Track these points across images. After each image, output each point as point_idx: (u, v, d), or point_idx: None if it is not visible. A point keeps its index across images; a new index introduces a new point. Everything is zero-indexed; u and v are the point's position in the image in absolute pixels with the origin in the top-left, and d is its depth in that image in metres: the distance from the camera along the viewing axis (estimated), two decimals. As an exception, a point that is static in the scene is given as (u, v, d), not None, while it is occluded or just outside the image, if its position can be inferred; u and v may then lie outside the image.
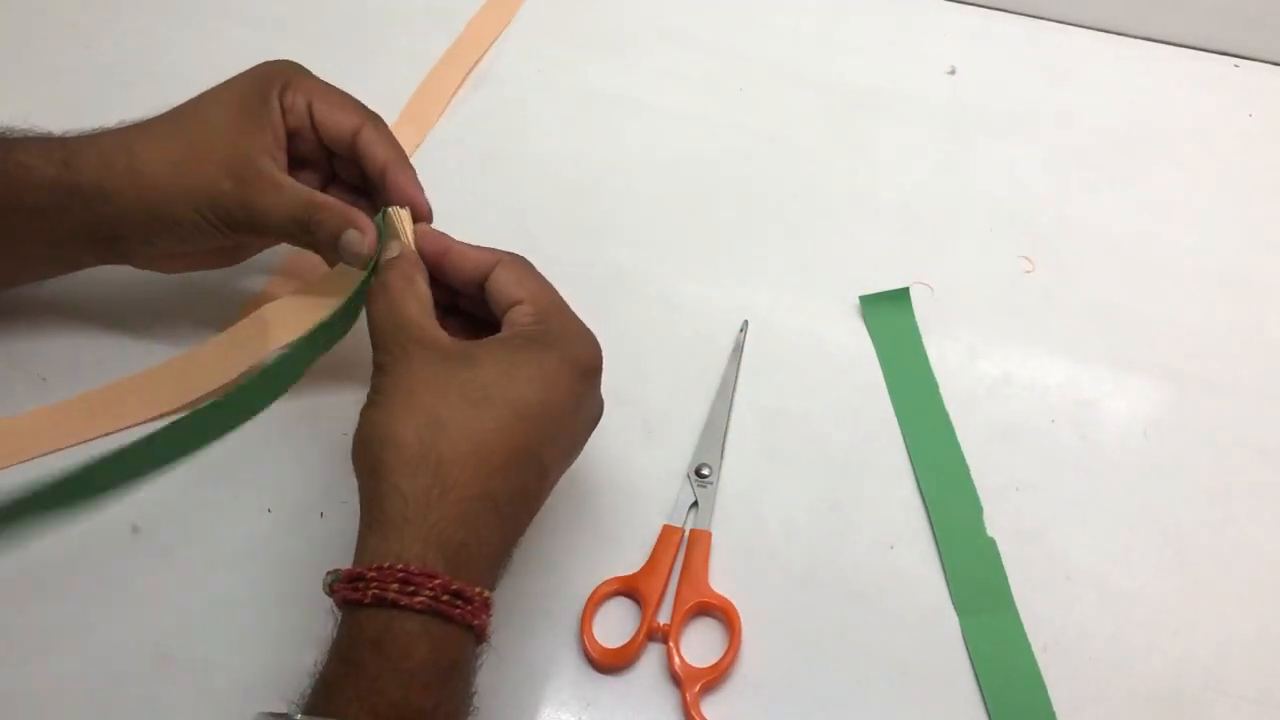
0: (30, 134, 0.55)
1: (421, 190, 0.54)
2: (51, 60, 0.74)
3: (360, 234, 0.52)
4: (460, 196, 0.67)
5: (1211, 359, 0.63)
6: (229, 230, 0.54)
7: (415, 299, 0.49)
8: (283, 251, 0.64)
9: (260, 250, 0.61)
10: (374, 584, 0.43)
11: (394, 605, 0.42)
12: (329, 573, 0.45)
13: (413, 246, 0.52)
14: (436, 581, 0.43)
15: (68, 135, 0.55)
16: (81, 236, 0.54)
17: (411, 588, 0.42)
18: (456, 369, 0.47)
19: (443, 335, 0.49)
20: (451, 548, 0.44)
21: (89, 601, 0.54)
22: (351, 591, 0.43)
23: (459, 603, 0.43)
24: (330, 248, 0.53)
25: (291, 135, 0.55)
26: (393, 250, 0.52)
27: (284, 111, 0.54)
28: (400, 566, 0.43)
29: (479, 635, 0.45)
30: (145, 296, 0.62)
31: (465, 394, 0.46)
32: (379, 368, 0.48)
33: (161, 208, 0.53)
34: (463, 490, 0.45)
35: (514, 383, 0.46)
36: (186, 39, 0.76)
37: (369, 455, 0.46)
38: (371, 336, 0.49)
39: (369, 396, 0.47)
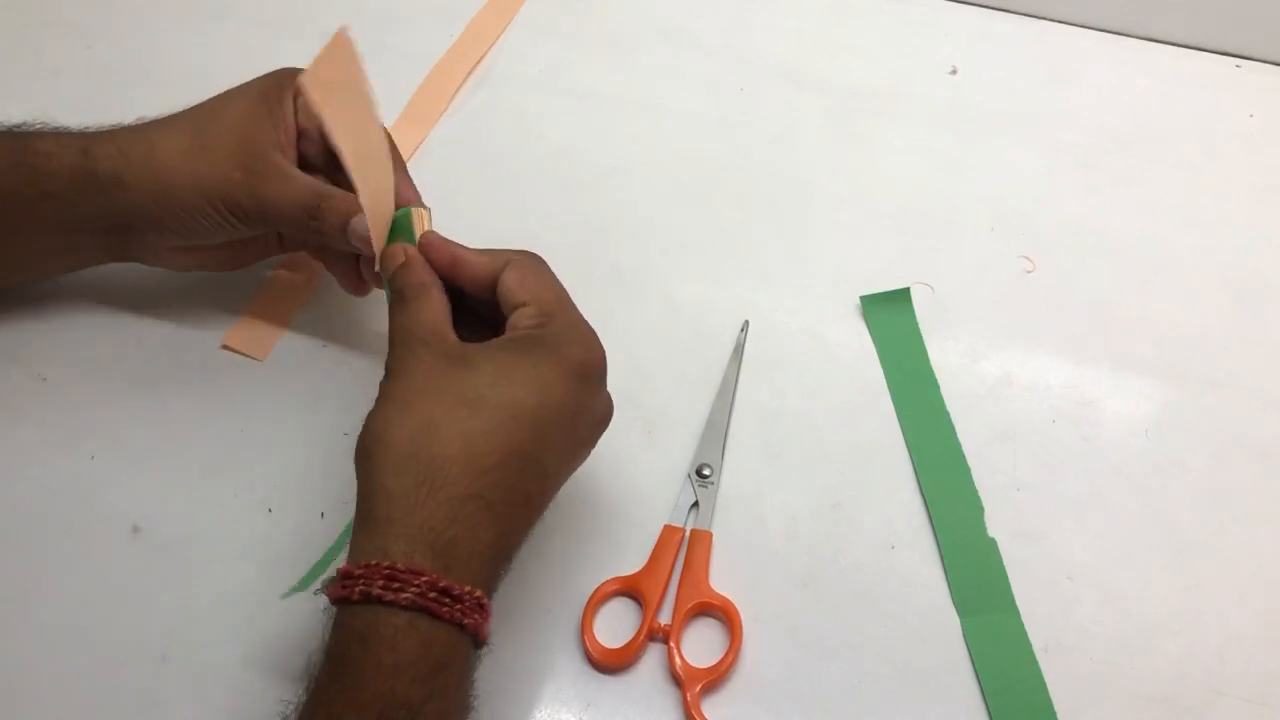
0: (49, 127, 0.56)
1: (416, 191, 0.55)
2: (52, 60, 0.74)
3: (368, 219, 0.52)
4: (461, 196, 0.67)
5: (1212, 359, 0.63)
6: (237, 221, 0.54)
7: (430, 305, 0.49)
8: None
9: (264, 256, 0.61)
10: (361, 580, 0.43)
11: (380, 601, 0.43)
12: (328, 577, 0.45)
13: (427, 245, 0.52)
14: (423, 579, 0.43)
15: (87, 129, 0.55)
16: (95, 226, 0.55)
17: (398, 584, 0.43)
18: (455, 372, 0.47)
19: (453, 339, 0.49)
20: (440, 546, 0.44)
21: (89, 601, 0.54)
22: (340, 589, 0.43)
23: (447, 600, 0.43)
24: (338, 236, 0.53)
25: (300, 135, 0.56)
26: (397, 258, 0.51)
27: (296, 111, 0.55)
28: (387, 564, 0.43)
29: (476, 637, 0.45)
30: (147, 295, 0.62)
31: (460, 396, 0.46)
32: (388, 371, 0.48)
33: (173, 196, 0.53)
34: (451, 490, 0.45)
35: (508, 384, 0.47)
36: (186, 39, 0.76)
37: (363, 455, 0.46)
38: (389, 341, 0.49)
39: (376, 400, 0.48)
